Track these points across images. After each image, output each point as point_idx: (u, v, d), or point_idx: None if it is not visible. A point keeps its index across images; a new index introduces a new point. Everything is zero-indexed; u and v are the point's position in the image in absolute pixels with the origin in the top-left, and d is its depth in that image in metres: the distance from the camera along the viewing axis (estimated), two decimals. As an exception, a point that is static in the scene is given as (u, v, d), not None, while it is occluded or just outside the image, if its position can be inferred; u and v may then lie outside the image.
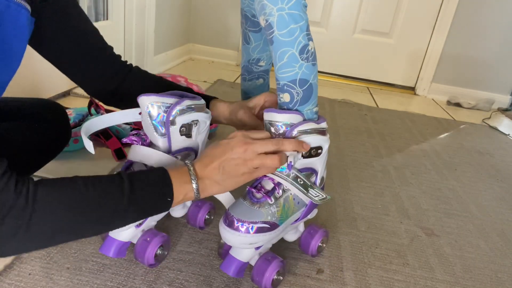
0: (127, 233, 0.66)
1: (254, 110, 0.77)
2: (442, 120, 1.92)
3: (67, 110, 1.10)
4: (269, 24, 0.64)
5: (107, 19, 1.67)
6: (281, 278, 0.69)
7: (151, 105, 0.66)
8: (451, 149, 1.52)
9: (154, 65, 1.92)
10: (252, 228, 0.62)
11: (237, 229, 0.62)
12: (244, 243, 0.63)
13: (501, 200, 1.16)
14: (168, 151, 0.68)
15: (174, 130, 0.67)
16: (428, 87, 2.38)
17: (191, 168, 0.57)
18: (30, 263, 0.66)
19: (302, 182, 0.66)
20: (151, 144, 0.68)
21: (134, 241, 0.68)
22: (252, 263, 0.67)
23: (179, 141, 0.68)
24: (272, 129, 0.64)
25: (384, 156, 1.35)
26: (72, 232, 0.49)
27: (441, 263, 0.83)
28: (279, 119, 0.64)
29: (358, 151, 1.36)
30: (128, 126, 1.11)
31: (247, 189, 0.67)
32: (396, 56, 2.39)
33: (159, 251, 0.68)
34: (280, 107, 0.69)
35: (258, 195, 0.65)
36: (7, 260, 0.66)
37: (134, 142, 0.68)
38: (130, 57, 1.82)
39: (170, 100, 0.66)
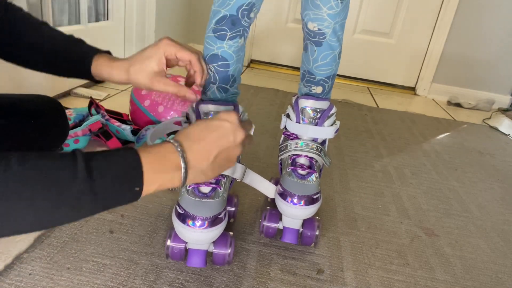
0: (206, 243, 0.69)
1: (162, 72, 0.64)
2: (442, 120, 1.91)
3: (67, 111, 1.10)
4: (322, 32, 0.75)
5: (107, 19, 1.67)
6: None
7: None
8: (451, 149, 1.52)
9: (155, 65, 1.92)
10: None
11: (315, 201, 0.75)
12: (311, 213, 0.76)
13: (501, 200, 1.16)
14: None
15: None
16: (429, 87, 2.38)
17: (183, 155, 0.49)
18: (31, 263, 0.66)
19: (322, 152, 0.81)
20: None
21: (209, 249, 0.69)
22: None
23: None
24: (311, 114, 0.77)
25: (385, 156, 1.35)
26: (7, 224, 0.38)
27: (441, 263, 0.83)
28: (318, 106, 0.78)
29: (359, 151, 1.36)
30: (128, 126, 1.11)
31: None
32: (397, 56, 2.39)
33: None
34: (307, 94, 0.81)
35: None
36: (8, 260, 0.66)
37: None
38: (131, 57, 1.82)
39: (229, 108, 0.71)
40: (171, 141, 0.50)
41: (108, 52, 0.69)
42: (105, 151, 0.45)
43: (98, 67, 0.65)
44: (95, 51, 0.67)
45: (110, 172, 0.42)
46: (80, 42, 0.69)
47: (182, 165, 0.48)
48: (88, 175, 0.40)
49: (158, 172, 0.46)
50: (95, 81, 0.69)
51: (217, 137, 0.52)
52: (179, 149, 0.49)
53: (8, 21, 0.67)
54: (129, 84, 0.66)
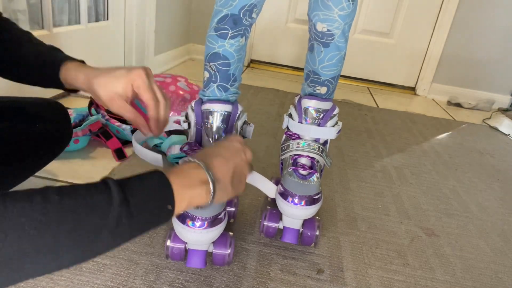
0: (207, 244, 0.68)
1: (124, 96, 0.60)
2: (442, 120, 1.91)
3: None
4: (331, 33, 0.74)
5: (107, 19, 1.67)
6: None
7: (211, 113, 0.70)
8: (451, 149, 1.52)
9: (155, 65, 1.92)
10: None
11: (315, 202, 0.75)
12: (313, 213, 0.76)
13: (501, 200, 1.16)
14: None
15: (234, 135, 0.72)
16: (429, 87, 2.38)
17: (207, 170, 0.49)
18: (30, 263, 0.66)
19: (324, 153, 0.80)
20: None
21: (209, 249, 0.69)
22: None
23: None
24: (314, 114, 0.77)
25: (385, 156, 1.35)
26: (49, 259, 0.36)
27: (441, 263, 0.83)
28: (321, 106, 0.77)
29: (359, 151, 1.36)
30: (128, 126, 1.11)
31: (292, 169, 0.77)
32: (397, 56, 2.39)
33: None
34: (310, 95, 0.81)
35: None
36: (7, 260, 0.66)
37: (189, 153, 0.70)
38: (130, 57, 1.82)
39: (228, 107, 0.71)
40: (191, 159, 0.50)
41: (82, 61, 0.68)
42: (132, 175, 0.44)
43: (66, 72, 0.64)
44: (66, 58, 0.66)
45: (142, 192, 0.43)
46: (55, 50, 0.68)
47: (209, 178, 0.49)
48: (123, 196, 0.40)
49: (186, 188, 0.47)
50: (65, 90, 0.67)
51: (231, 154, 0.56)
52: (202, 164, 0.50)
53: None
54: (88, 93, 0.63)
